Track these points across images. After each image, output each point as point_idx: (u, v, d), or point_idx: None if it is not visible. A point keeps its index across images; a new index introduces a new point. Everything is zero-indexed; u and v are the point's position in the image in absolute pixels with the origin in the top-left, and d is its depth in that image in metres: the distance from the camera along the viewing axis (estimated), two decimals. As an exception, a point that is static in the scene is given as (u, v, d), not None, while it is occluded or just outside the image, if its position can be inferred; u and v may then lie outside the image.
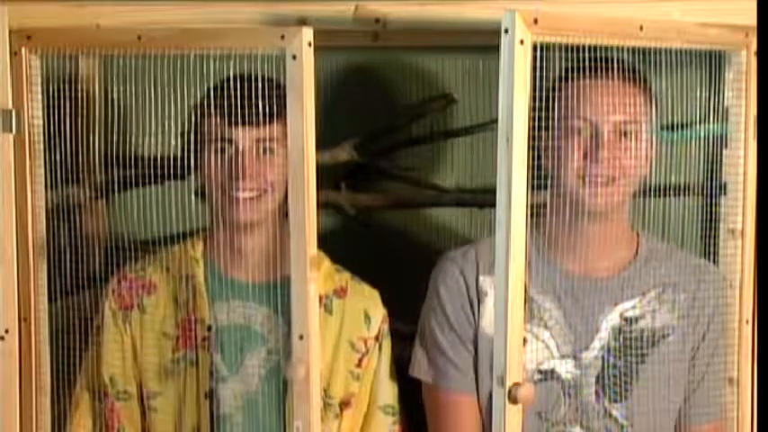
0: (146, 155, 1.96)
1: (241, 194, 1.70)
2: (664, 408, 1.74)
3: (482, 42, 2.25)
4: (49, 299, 1.93)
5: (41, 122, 1.77)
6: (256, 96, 1.66)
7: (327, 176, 2.30)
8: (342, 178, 2.28)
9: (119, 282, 1.79)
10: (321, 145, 2.24)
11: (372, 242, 2.34)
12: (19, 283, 1.74)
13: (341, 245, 2.33)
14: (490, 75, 2.33)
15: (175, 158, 1.74)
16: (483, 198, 2.26)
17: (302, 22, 1.76)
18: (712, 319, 1.75)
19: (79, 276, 1.78)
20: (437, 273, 1.83)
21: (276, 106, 1.66)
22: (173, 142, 1.72)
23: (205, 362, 1.73)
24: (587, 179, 1.67)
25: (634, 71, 1.73)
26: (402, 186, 2.33)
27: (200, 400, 1.72)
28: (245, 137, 1.69)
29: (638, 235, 1.81)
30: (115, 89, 2.33)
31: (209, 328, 1.74)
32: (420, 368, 1.82)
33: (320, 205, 2.29)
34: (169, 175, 2.10)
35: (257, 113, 1.65)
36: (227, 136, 1.70)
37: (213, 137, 1.71)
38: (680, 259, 1.81)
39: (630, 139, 1.68)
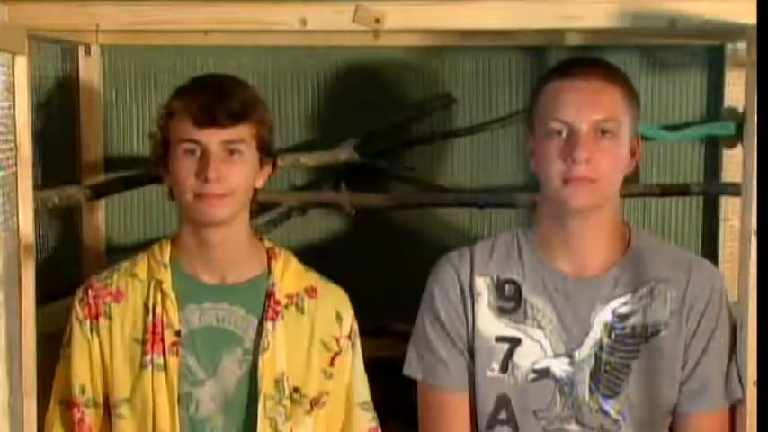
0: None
1: (207, 196, 1.68)
2: (658, 402, 1.75)
3: (482, 42, 2.27)
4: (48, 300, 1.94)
5: (32, 123, 1.77)
6: (222, 98, 1.66)
7: (327, 176, 2.31)
8: (342, 178, 2.28)
9: (85, 291, 1.77)
10: (321, 145, 2.26)
11: (372, 242, 2.34)
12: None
13: (341, 245, 2.35)
14: (490, 75, 2.33)
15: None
16: (483, 198, 2.27)
17: (302, 22, 1.76)
18: (705, 311, 1.75)
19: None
20: (433, 272, 1.84)
21: (243, 107, 1.67)
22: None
23: (174, 366, 1.72)
24: (568, 180, 1.67)
25: (611, 69, 1.74)
26: (402, 186, 2.34)
27: (173, 404, 1.71)
28: (210, 138, 1.68)
29: (629, 230, 1.80)
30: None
31: (178, 333, 1.73)
32: (410, 365, 1.83)
33: (320, 205, 2.31)
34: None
35: (223, 115, 1.66)
36: (192, 137, 1.69)
37: (179, 138, 1.70)
38: (671, 254, 1.81)
39: (609, 138, 1.68)
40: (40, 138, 2.05)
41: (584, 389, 1.74)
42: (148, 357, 1.72)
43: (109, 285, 1.76)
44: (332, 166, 2.27)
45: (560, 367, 1.75)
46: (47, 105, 2.19)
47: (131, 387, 1.72)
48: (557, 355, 1.75)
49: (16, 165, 1.75)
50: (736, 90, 2.19)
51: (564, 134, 1.68)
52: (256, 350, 1.74)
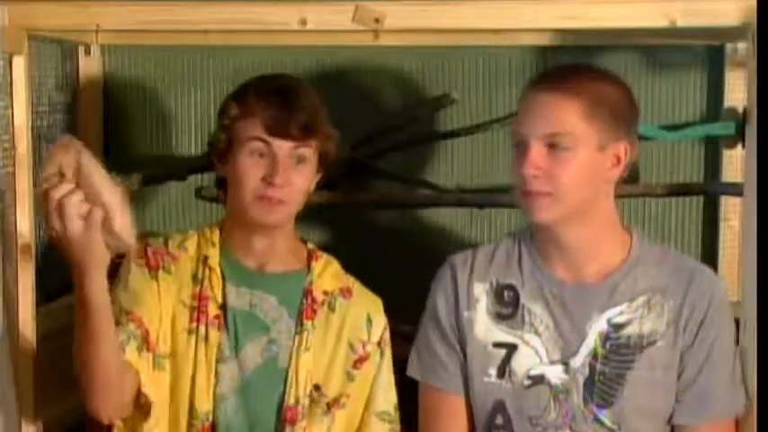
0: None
1: (269, 199, 1.72)
2: (653, 413, 1.73)
3: (482, 42, 2.27)
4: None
5: (31, 123, 1.77)
6: (295, 109, 1.71)
7: (326, 176, 2.30)
8: (340, 178, 2.28)
9: (144, 248, 1.79)
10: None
11: (372, 242, 2.34)
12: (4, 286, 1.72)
13: (340, 245, 2.34)
14: (490, 75, 2.33)
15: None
16: (483, 198, 2.27)
17: (302, 22, 1.76)
18: (704, 322, 1.73)
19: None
20: (436, 275, 1.84)
21: (313, 121, 1.73)
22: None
23: (215, 339, 1.75)
24: (524, 194, 1.67)
25: (580, 79, 1.68)
26: (401, 186, 2.34)
27: (209, 375, 1.74)
28: (281, 145, 1.72)
29: (630, 236, 1.78)
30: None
31: (222, 307, 1.76)
32: (412, 366, 1.84)
33: (319, 205, 2.31)
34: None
35: (296, 128, 1.71)
36: (263, 138, 1.72)
37: (249, 137, 1.72)
38: (671, 262, 1.78)
39: (566, 151, 1.65)
40: (40, 138, 2.05)
41: (578, 397, 1.74)
42: (194, 325, 1.75)
43: (164, 248, 1.80)
44: (330, 166, 2.27)
45: (555, 374, 1.75)
46: (47, 105, 2.19)
47: (172, 346, 1.75)
48: (552, 363, 1.74)
49: (14, 165, 1.75)
50: (736, 90, 2.19)
51: (521, 146, 1.67)
52: (289, 344, 1.77)
